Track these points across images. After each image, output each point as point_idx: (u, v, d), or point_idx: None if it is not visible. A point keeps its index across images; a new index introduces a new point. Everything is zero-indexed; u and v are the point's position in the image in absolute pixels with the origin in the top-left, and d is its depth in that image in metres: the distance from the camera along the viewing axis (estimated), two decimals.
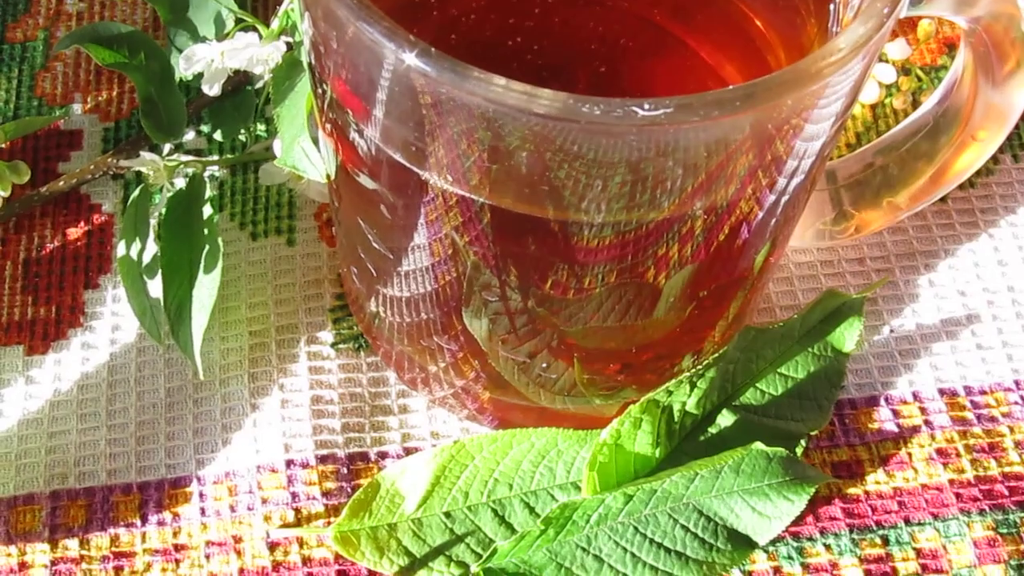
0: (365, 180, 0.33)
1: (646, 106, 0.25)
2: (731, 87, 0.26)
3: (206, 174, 0.43)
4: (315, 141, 0.37)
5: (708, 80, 0.38)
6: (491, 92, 0.26)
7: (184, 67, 0.40)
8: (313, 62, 0.32)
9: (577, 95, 0.26)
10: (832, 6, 0.33)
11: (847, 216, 0.40)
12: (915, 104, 0.46)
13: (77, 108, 0.45)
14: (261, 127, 0.44)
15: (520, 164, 0.28)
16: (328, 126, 0.33)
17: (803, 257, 0.43)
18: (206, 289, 0.39)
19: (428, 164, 0.30)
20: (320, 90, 0.32)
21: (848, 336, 0.40)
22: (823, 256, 0.43)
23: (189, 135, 0.44)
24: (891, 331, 0.42)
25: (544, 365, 0.37)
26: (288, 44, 0.40)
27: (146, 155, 0.40)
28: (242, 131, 0.44)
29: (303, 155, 0.36)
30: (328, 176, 0.36)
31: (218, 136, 0.44)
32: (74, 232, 0.43)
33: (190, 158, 0.43)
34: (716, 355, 0.38)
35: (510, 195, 0.30)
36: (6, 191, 0.38)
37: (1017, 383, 0.41)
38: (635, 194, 0.29)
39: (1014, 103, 0.36)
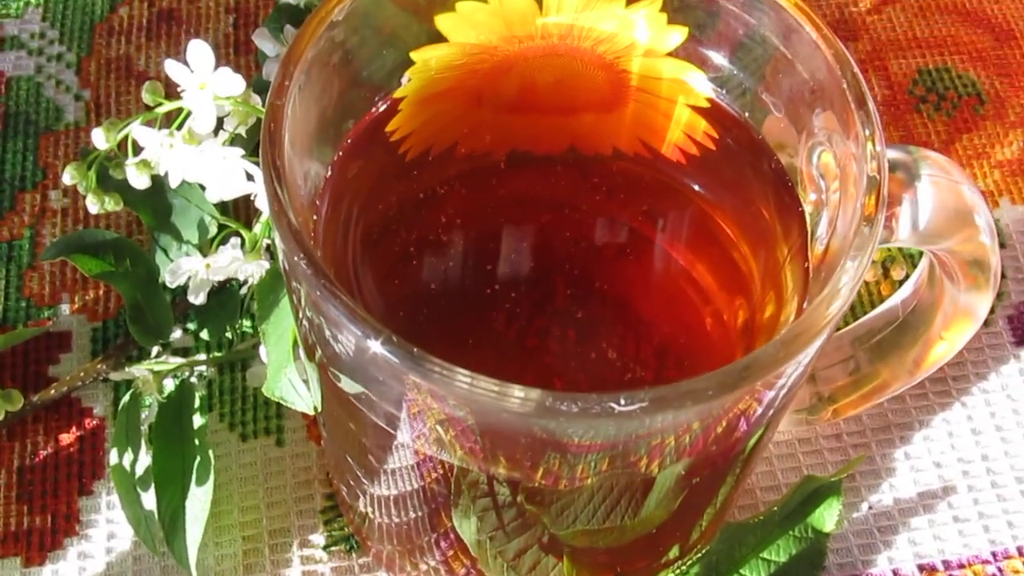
0: (349, 413, 0.34)
1: (622, 401, 0.26)
2: (703, 376, 0.27)
3: (194, 375, 0.44)
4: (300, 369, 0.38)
5: (682, 283, 0.39)
6: (458, 388, 0.27)
7: (170, 280, 0.41)
8: (292, 300, 0.32)
9: (551, 392, 0.26)
10: (805, 235, 0.34)
11: (825, 403, 0.41)
12: (886, 274, 0.47)
13: (65, 308, 0.46)
14: (247, 323, 0.45)
15: (497, 436, 0.29)
16: (311, 357, 0.34)
17: (782, 437, 0.44)
18: (199, 501, 0.40)
19: (403, 430, 0.31)
20: (300, 323, 0.33)
21: (828, 517, 0.41)
22: (801, 435, 0.44)
23: (176, 334, 0.45)
24: (869, 507, 0.43)
25: (533, 564, 0.38)
26: (270, 252, 0.41)
27: (135, 370, 0.41)
28: (228, 329, 0.45)
29: (290, 387, 0.37)
30: (315, 407, 0.37)
31: (205, 335, 0.45)
32: (66, 438, 0.44)
33: (178, 360, 0.43)
34: (700, 553, 0.39)
35: (491, 457, 0.31)
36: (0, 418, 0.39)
37: (994, 555, 0.42)
38: (615, 450, 0.30)
39: (979, 307, 0.37)
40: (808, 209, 0.35)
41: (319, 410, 0.37)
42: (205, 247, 0.44)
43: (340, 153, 0.35)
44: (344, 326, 0.28)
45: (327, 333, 0.30)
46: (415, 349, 0.27)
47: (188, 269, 0.41)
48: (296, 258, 0.28)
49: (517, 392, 0.27)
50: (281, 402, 0.37)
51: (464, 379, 0.27)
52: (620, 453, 0.33)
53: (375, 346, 0.27)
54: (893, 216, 0.33)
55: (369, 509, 0.39)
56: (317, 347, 0.32)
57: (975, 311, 0.37)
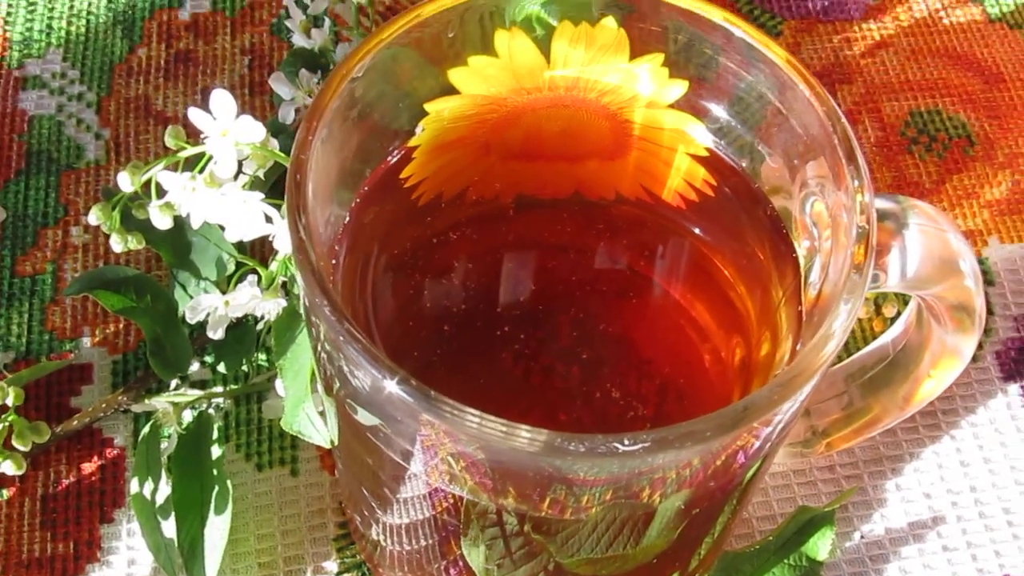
0: (365, 453, 0.35)
1: (626, 442, 0.28)
2: (703, 418, 0.29)
3: (212, 406, 0.46)
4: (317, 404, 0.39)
5: (682, 322, 0.40)
6: (468, 427, 0.28)
7: (190, 317, 0.43)
8: (312, 336, 0.34)
9: (558, 433, 0.28)
10: (799, 280, 0.36)
11: (820, 437, 0.43)
12: (878, 311, 0.49)
13: (86, 341, 0.48)
14: (263, 357, 0.47)
15: (506, 471, 0.31)
16: (328, 391, 0.36)
17: (777, 469, 0.46)
18: (218, 530, 0.42)
19: (420, 464, 0.32)
20: (318, 359, 0.34)
21: (821, 546, 0.42)
22: (796, 466, 0.46)
23: (194, 367, 0.47)
24: (862, 537, 0.45)
25: None
26: (286, 290, 0.43)
27: (156, 402, 0.43)
28: (244, 362, 0.46)
29: (308, 422, 0.39)
30: (331, 441, 0.39)
31: (222, 368, 0.46)
32: (88, 467, 0.45)
33: (196, 392, 0.45)
34: None
35: (500, 490, 0.32)
36: (26, 447, 0.41)
37: None
38: (617, 493, 0.31)
39: (965, 348, 0.39)
40: (802, 255, 0.37)
41: (335, 444, 0.38)
42: (223, 284, 0.45)
43: (358, 199, 0.37)
44: (362, 366, 0.29)
45: (345, 370, 0.31)
46: (430, 391, 0.29)
47: (208, 306, 0.43)
48: (317, 300, 0.30)
49: (524, 432, 0.28)
50: (299, 436, 0.39)
51: (474, 419, 0.28)
52: (623, 486, 0.34)
53: (391, 386, 0.29)
54: (882, 264, 0.35)
55: (381, 537, 0.40)
56: (335, 382, 0.33)
57: (961, 351, 0.39)
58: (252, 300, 0.42)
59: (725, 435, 0.29)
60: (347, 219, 0.37)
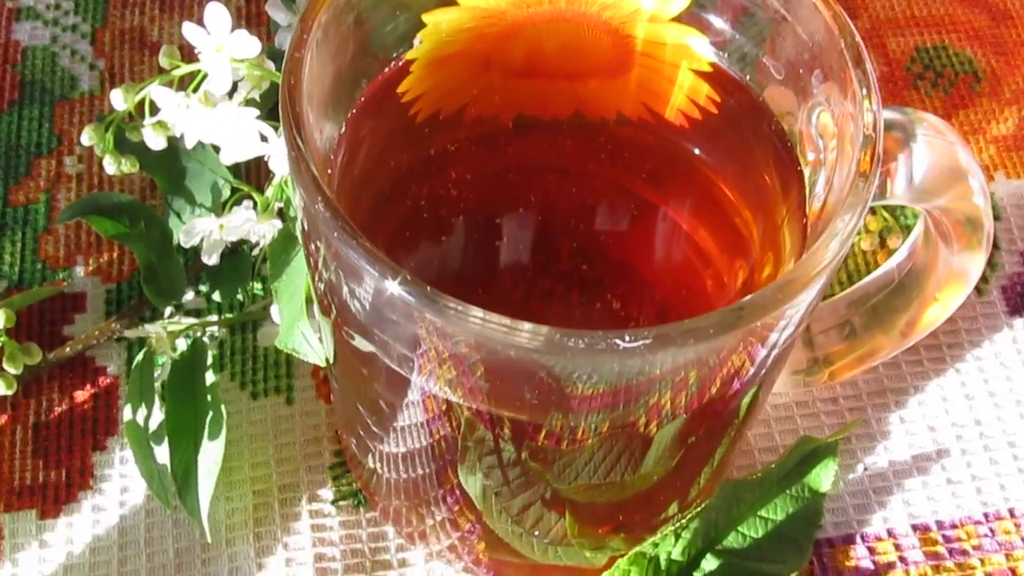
0: (361, 364, 0.35)
1: (627, 338, 0.27)
2: (704, 316, 0.28)
3: (206, 335, 0.45)
4: (313, 322, 0.39)
5: (685, 246, 0.40)
6: (473, 327, 0.28)
7: (184, 240, 0.42)
8: (309, 254, 0.33)
9: (559, 329, 0.27)
10: (803, 191, 0.35)
11: (822, 365, 0.42)
12: (883, 243, 0.48)
13: (80, 271, 0.47)
14: (258, 285, 0.46)
15: (504, 378, 0.30)
16: (324, 310, 0.35)
17: (779, 400, 0.45)
18: (211, 455, 0.41)
19: (416, 371, 0.32)
20: (315, 279, 0.34)
21: (824, 477, 0.42)
22: (799, 398, 0.45)
23: (188, 295, 0.46)
24: (865, 469, 0.44)
25: (536, 519, 0.39)
26: (282, 216, 0.42)
27: (149, 327, 0.42)
28: (239, 291, 0.46)
29: (303, 340, 0.38)
30: (326, 359, 0.38)
31: (217, 296, 0.46)
32: (81, 395, 0.45)
33: (190, 320, 0.44)
34: (699, 509, 0.40)
35: (496, 401, 0.32)
36: (18, 370, 0.40)
37: (986, 516, 0.43)
38: (617, 401, 0.31)
39: (972, 269, 0.38)
40: (807, 169, 0.36)
41: (330, 362, 0.38)
42: (218, 210, 0.45)
43: (354, 111, 0.36)
44: (362, 269, 0.29)
45: (343, 283, 0.31)
46: (430, 289, 0.28)
47: (202, 229, 0.42)
48: (316, 205, 0.29)
49: (526, 328, 0.28)
50: (293, 354, 0.39)
51: (476, 316, 0.28)
52: (620, 413, 0.34)
53: (392, 286, 0.28)
54: (888, 174, 0.34)
55: (377, 465, 0.40)
56: (332, 298, 0.33)
57: (968, 273, 0.38)
58: (247, 223, 0.42)
59: (725, 334, 0.28)
60: (343, 130, 0.36)
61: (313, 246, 0.32)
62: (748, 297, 0.29)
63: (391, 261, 0.28)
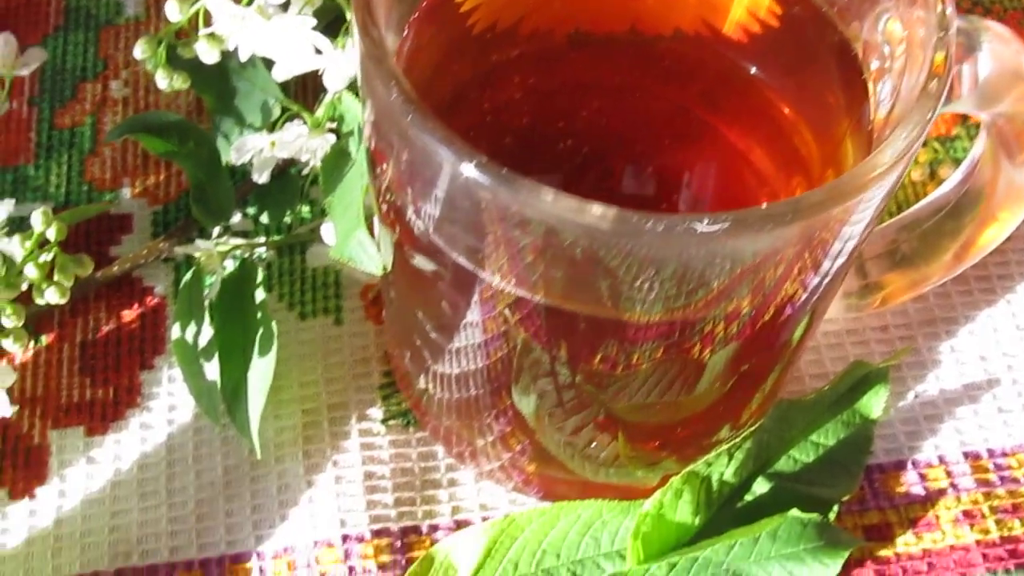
0: (423, 269, 0.34)
1: (706, 221, 0.27)
2: (782, 201, 0.28)
3: (254, 256, 0.45)
4: (369, 228, 0.38)
5: (741, 166, 0.40)
6: (543, 205, 0.28)
7: (235, 157, 0.42)
8: (372, 152, 0.33)
9: (637, 212, 0.27)
10: (867, 103, 0.35)
11: (873, 289, 0.42)
12: (932, 175, 0.48)
13: (126, 192, 0.47)
14: (306, 208, 0.46)
15: (574, 267, 0.30)
16: (386, 214, 0.35)
17: (830, 327, 0.45)
18: (261, 372, 0.41)
19: (485, 264, 0.31)
20: (379, 179, 0.34)
21: (875, 403, 0.42)
22: (849, 325, 0.45)
23: (236, 217, 0.46)
24: (916, 397, 0.44)
25: (590, 439, 0.38)
26: (335, 132, 0.42)
27: (199, 243, 0.42)
28: (288, 213, 0.46)
29: (360, 248, 0.38)
30: (384, 267, 0.38)
31: (265, 219, 0.46)
32: (128, 315, 0.45)
33: (239, 241, 0.44)
34: (752, 428, 0.39)
35: (564, 294, 0.32)
36: (69, 281, 0.40)
37: None
38: (684, 291, 0.30)
39: None
40: (870, 80, 0.36)
41: (388, 273, 0.38)
42: (268, 129, 0.44)
43: (413, 19, 0.36)
44: (437, 154, 0.28)
45: (413, 177, 0.31)
46: (505, 170, 0.28)
47: (253, 146, 0.42)
48: (391, 95, 0.29)
49: (598, 209, 0.27)
50: (350, 264, 0.38)
51: (548, 196, 0.27)
52: (675, 342, 0.33)
53: (468, 169, 0.28)
54: (954, 78, 0.34)
55: (430, 384, 0.40)
56: (398, 200, 0.33)
57: None
58: (298, 139, 0.41)
59: (802, 219, 0.28)
60: (403, 37, 0.36)
61: (381, 144, 0.32)
62: (828, 184, 0.28)
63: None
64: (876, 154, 0.29)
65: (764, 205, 0.28)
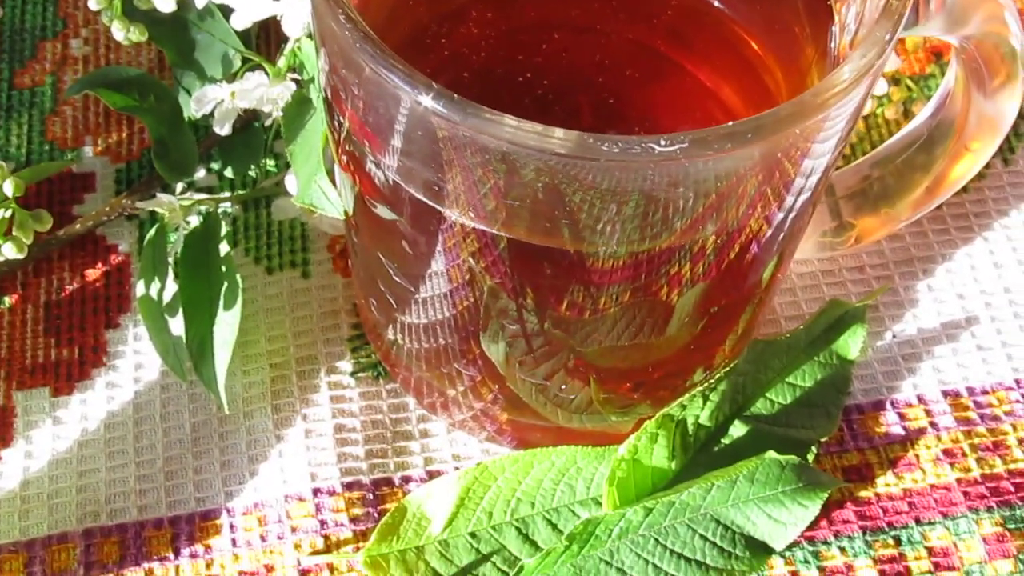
0: (384, 214, 0.34)
1: (663, 142, 0.26)
2: (742, 120, 0.27)
3: (219, 211, 0.44)
4: (331, 176, 0.38)
5: (707, 102, 0.39)
6: (507, 133, 0.27)
7: (195, 108, 0.41)
8: (330, 99, 0.33)
9: (594, 134, 0.27)
10: (832, 28, 0.34)
11: (847, 227, 0.42)
12: (906, 114, 0.47)
13: (88, 151, 0.46)
14: (270, 162, 0.45)
15: (536, 198, 0.29)
16: (346, 161, 0.34)
17: (805, 268, 0.44)
18: (227, 325, 0.40)
19: (447, 200, 0.31)
20: (337, 126, 0.33)
21: (852, 344, 0.41)
22: (824, 266, 0.44)
23: (200, 173, 0.45)
24: (893, 336, 0.43)
25: (561, 386, 0.38)
26: (297, 82, 0.41)
27: (162, 196, 0.41)
28: (252, 167, 0.45)
29: (320, 193, 0.37)
30: (345, 212, 0.37)
31: (229, 173, 0.45)
32: (92, 273, 0.44)
33: (203, 196, 0.44)
34: (727, 369, 0.39)
35: (527, 227, 0.31)
36: (29, 239, 0.39)
37: (1017, 382, 0.43)
38: (648, 222, 0.30)
39: (1005, 114, 0.37)
40: (836, 3, 0.35)
41: (351, 221, 0.37)
42: (229, 81, 0.44)
43: None
44: (396, 87, 0.28)
45: (371, 113, 0.30)
46: (463, 99, 0.27)
47: (214, 97, 0.41)
48: (345, 30, 0.28)
49: (558, 133, 0.27)
50: (312, 208, 0.38)
51: (511, 122, 0.27)
52: (642, 284, 0.33)
53: (426, 100, 0.27)
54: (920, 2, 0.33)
55: (398, 335, 0.39)
56: (358, 142, 0.32)
57: (1002, 116, 0.37)
58: (259, 88, 0.41)
59: (762, 138, 0.27)
60: None
61: (337, 85, 0.31)
62: (792, 101, 0.28)
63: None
64: (836, 72, 0.28)
65: (720, 127, 0.27)
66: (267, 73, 0.41)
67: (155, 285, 0.41)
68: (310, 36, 0.40)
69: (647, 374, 0.39)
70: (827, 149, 0.31)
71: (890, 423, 0.42)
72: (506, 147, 0.27)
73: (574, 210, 0.29)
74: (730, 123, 0.27)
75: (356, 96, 0.31)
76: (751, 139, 0.27)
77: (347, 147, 0.33)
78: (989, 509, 0.40)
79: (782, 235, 0.35)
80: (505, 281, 0.33)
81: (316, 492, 0.40)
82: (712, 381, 0.39)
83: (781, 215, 0.33)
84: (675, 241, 0.31)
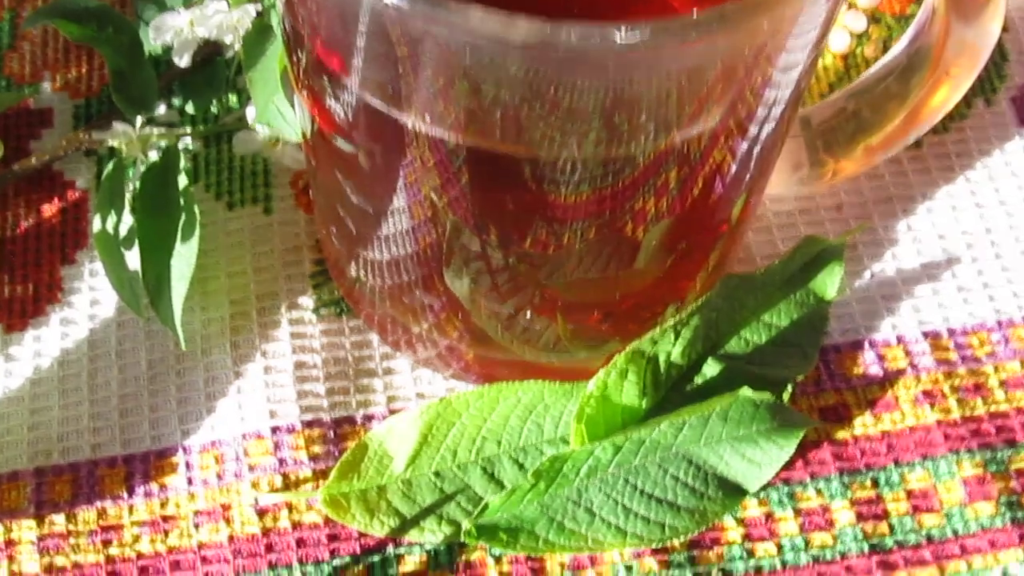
0: (342, 124, 0.32)
1: (624, 31, 0.25)
2: (707, 9, 0.26)
3: (179, 146, 0.43)
4: (290, 101, 0.37)
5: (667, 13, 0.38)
6: (467, 22, 0.26)
7: (153, 37, 0.40)
8: (285, 13, 0.31)
9: (552, 23, 0.25)
10: None
11: (823, 162, 0.40)
12: (886, 51, 0.46)
13: (46, 86, 0.45)
14: (232, 98, 0.44)
15: (495, 99, 0.28)
16: (304, 80, 0.33)
17: (782, 206, 0.43)
18: (184, 259, 0.39)
19: (406, 104, 0.29)
20: (294, 42, 0.32)
21: (829, 282, 0.40)
22: (801, 205, 0.43)
23: (161, 109, 0.44)
24: (872, 276, 0.42)
25: (527, 320, 0.37)
26: (257, 11, 0.40)
27: (119, 126, 0.40)
28: (214, 102, 0.44)
29: (278, 114, 0.36)
30: (304, 135, 0.36)
31: (190, 108, 0.44)
32: (48, 209, 0.43)
33: (163, 130, 0.42)
34: (699, 303, 0.38)
35: (488, 132, 0.30)
36: None
37: (999, 323, 0.41)
38: (611, 124, 0.29)
39: (987, 38, 0.36)
40: None
41: (307, 137, 0.36)
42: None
43: None
44: None
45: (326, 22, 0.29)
46: None
47: (172, 24, 0.40)
48: None
49: (521, 23, 0.25)
50: (269, 127, 0.36)
51: (469, 11, 0.26)
52: (607, 220, 0.32)
53: None
54: None
55: (361, 271, 0.38)
56: (313, 53, 0.31)
57: (982, 43, 0.36)
58: (217, 15, 0.39)
59: (727, 29, 0.26)
60: None
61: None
62: None
63: None
64: None
65: (686, 15, 0.26)
66: (228, 1, 0.40)
67: (111, 219, 0.40)
68: None
69: (615, 305, 0.38)
70: (796, 58, 0.30)
71: (868, 363, 0.40)
72: (465, 39, 0.26)
73: (534, 111, 0.28)
74: (694, 11, 0.26)
75: (310, 4, 0.30)
76: (716, 28, 0.26)
77: (305, 66, 0.32)
78: (970, 451, 0.39)
79: (751, 161, 0.33)
80: (467, 209, 0.32)
81: (275, 430, 0.38)
82: (684, 316, 0.37)
83: (753, 129, 0.32)
84: (638, 152, 0.30)
